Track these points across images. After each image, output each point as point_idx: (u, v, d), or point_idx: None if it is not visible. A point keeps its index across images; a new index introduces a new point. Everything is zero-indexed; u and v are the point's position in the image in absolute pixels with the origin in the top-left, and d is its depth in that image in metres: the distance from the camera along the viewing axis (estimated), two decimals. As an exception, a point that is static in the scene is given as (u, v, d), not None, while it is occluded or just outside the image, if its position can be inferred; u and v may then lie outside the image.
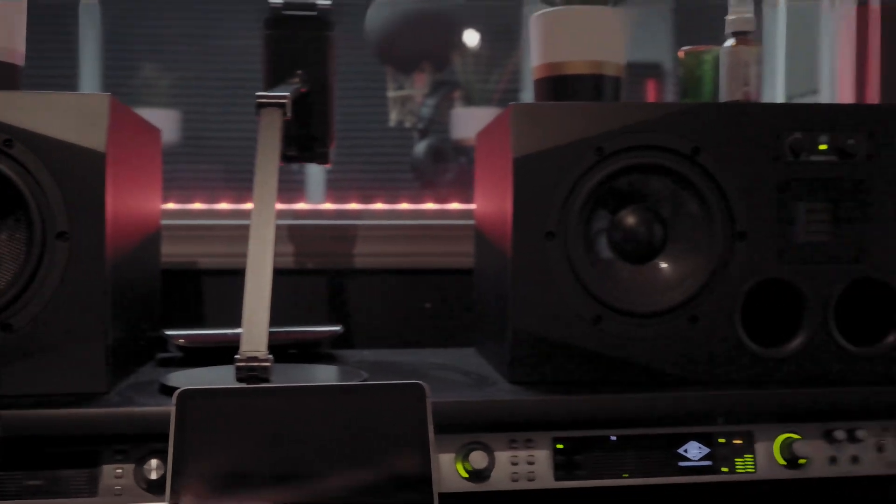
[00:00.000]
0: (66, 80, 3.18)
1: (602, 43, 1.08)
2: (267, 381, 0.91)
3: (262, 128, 1.02)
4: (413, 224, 1.45)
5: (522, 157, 0.97)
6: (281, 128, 1.02)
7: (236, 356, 0.91)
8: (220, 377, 1.00)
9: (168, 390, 0.93)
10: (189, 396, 0.85)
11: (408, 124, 1.99)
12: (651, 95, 2.07)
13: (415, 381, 0.88)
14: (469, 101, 1.92)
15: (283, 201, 1.50)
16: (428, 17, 1.90)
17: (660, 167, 0.98)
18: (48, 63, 3.14)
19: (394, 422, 0.88)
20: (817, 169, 0.99)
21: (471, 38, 2.09)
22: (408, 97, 1.97)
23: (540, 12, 1.11)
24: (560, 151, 0.97)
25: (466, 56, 1.94)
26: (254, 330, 0.92)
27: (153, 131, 1.20)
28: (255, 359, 0.92)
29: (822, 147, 0.99)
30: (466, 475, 0.94)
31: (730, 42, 1.08)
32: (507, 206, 0.99)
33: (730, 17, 1.08)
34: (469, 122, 1.88)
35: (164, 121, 1.96)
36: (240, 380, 0.91)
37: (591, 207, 0.98)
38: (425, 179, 1.89)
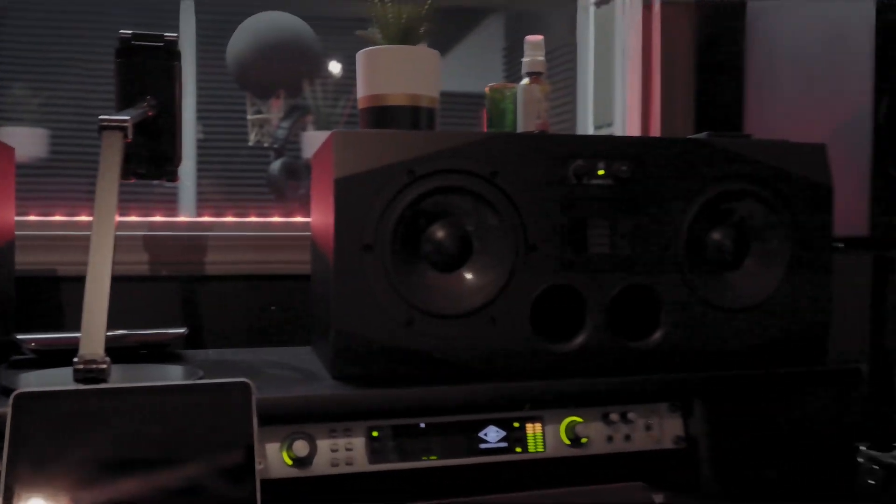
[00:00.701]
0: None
1: (418, 78, 1.09)
2: (104, 381, 0.87)
3: (104, 148, 0.98)
4: (260, 235, 1.42)
5: (343, 177, 0.97)
6: (122, 149, 0.99)
7: (75, 359, 0.87)
8: (61, 379, 0.96)
9: (6, 392, 0.88)
10: (25, 398, 0.81)
11: (265, 144, 1.97)
12: (485, 123, 2.11)
13: (241, 380, 0.87)
14: (319, 124, 1.91)
15: (142, 214, 1.46)
16: (283, 47, 1.88)
17: (463, 188, 0.99)
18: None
19: (222, 417, 0.86)
20: (596, 191, 1.03)
21: (334, 67, 2.07)
22: (265, 120, 1.94)
23: (364, 50, 1.11)
24: (377, 173, 0.98)
25: (317, 84, 1.93)
26: (92, 333, 0.89)
27: (6, 150, 1.14)
28: (93, 361, 0.88)
29: (601, 172, 1.03)
30: (291, 462, 0.93)
31: (525, 81, 1.10)
32: (331, 220, 0.99)
33: (525, 60, 1.11)
34: (319, 143, 1.86)
35: (30, 138, 1.88)
36: (77, 381, 0.87)
37: (404, 223, 0.99)
38: (279, 194, 1.87)
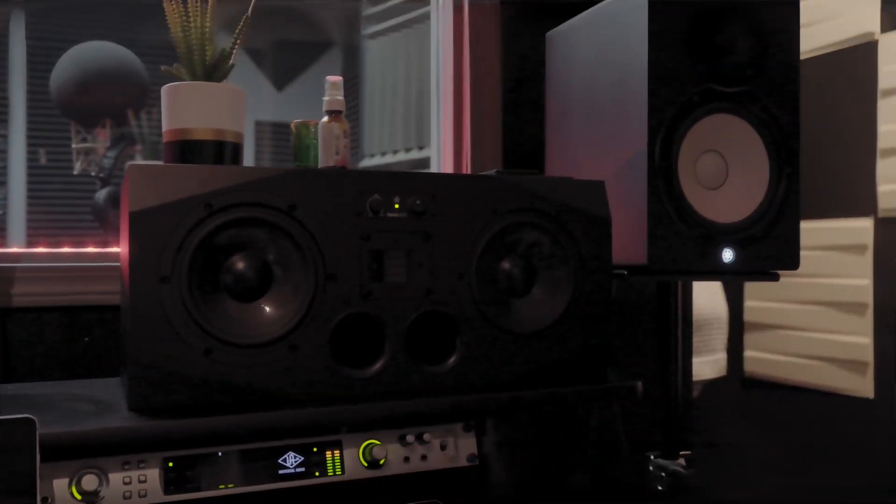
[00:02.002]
0: None
1: (223, 113, 1.08)
2: None
3: None
4: (73, 266, 1.37)
5: (138, 211, 0.95)
6: None
7: None
8: None
9: None
10: None
11: (92, 173, 1.90)
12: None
13: (24, 416, 0.83)
14: (147, 154, 1.86)
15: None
16: (107, 75, 1.82)
17: (261, 220, 0.99)
18: None
19: (5, 455, 0.83)
20: (393, 223, 1.05)
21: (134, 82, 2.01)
22: (90, 149, 1.87)
23: (170, 84, 1.10)
24: (174, 207, 0.96)
25: (143, 113, 1.88)
26: None
27: None
28: None
29: (396, 206, 1.05)
30: (80, 497, 0.89)
31: (325, 119, 1.12)
32: (125, 250, 0.97)
33: (325, 98, 1.13)
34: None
35: None
36: None
37: (202, 254, 0.98)
38: (104, 223, 1.81)
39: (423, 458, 1.04)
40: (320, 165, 1.13)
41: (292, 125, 1.18)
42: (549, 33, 1.52)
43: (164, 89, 1.10)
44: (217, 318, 0.98)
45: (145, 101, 1.89)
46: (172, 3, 1.09)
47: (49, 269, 1.36)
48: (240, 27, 1.12)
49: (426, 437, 1.04)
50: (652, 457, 1.38)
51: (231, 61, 1.12)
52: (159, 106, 2.13)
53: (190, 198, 0.97)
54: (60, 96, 1.81)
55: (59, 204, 2.41)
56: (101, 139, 1.86)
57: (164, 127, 1.10)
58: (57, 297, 1.35)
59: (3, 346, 1.33)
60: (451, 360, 1.08)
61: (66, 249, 1.42)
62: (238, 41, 1.12)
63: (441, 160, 1.62)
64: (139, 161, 1.87)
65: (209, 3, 1.11)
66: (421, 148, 1.82)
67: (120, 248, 1.21)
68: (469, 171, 1.56)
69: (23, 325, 1.34)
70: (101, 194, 1.80)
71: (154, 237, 0.95)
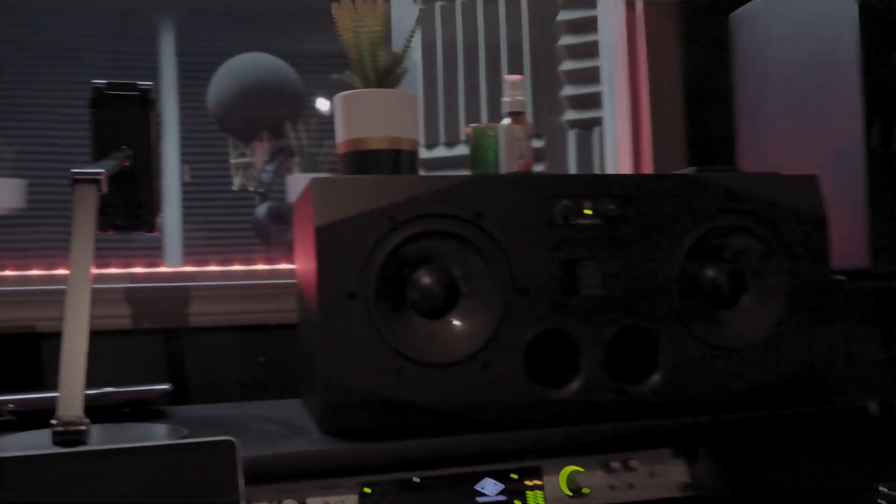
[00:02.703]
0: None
1: (397, 121, 1.10)
2: (83, 444, 0.87)
3: (77, 202, 0.98)
4: (245, 284, 1.42)
5: (323, 225, 0.97)
6: (96, 202, 0.99)
7: (52, 421, 0.87)
8: (40, 442, 0.95)
9: (-19, 460, 0.88)
10: (2, 464, 0.81)
11: (250, 189, 1.98)
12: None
13: (226, 438, 0.86)
14: (305, 166, 1.92)
15: (123, 265, 1.46)
16: (264, 88, 1.90)
17: (447, 232, 1.00)
18: None
19: (206, 478, 0.86)
20: (585, 231, 1.03)
21: (321, 104, 2.09)
22: (249, 164, 1.95)
23: (342, 93, 1.12)
24: (357, 220, 0.98)
25: (301, 124, 1.95)
26: (69, 394, 0.88)
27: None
28: (71, 423, 0.88)
29: (587, 212, 1.03)
30: (278, 523, 0.92)
31: (506, 121, 1.11)
32: (313, 268, 0.99)
33: (505, 99, 1.12)
34: (304, 186, 1.88)
35: (7, 190, 1.88)
36: (56, 444, 0.86)
37: (388, 269, 0.99)
38: (266, 240, 1.87)
39: (631, 486, 1.01)
40: (503, 171, 1.12)
41: (468, 129, 1.18)
42: (734, 14, 1.46)
43: (338, 98, 1.13)
44: (405, 335, 0.99)
45: (302, 111, 1.95)
46: (343, 8, 1.11)
47: (221, 287, 1.42)
48: (411, 31, 1.13)
49: (633, 463, 1.01)
50: (882, 489, 1.29)
51: (403, 65, 1.14)
52: (315, 116, 2.19)
53: (374, 210, 0.98)
54: (219, 111, 1.90)
55: (214, 221, 2.53)
56: (259, 153, 1.94)
57: (339, 137, 1.12)
58: (230, 317, 1.41)
59: (179, 366, 1.40)
60: (654, 378, 1.05)
61: (236, 267, 1.48)
62: (409, 44, 1.13)
63: (617, 159, 1.59)
64: (297, 174, 1.94)
65: (378, 6, 1.13)
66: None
67: (296, 265, 1.25)
68: (652, 171, 1.52)
69: (197, 346, 1.40)
70: (262, 210, 1.87)
71: (340, 252, 0.97)
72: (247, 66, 1.92)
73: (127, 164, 1.15)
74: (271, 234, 1.86)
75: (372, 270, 0.98)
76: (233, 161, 1.97)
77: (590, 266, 1.03)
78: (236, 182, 1.99)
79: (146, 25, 3.27)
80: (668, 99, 1.53)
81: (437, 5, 1.77)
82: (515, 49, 1.81)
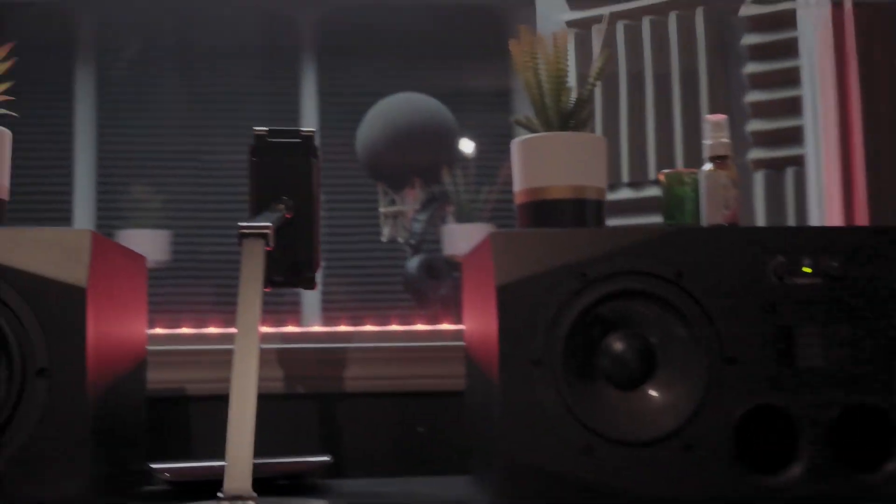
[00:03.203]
0: (60, 197, 3.26)
1: (582, 167, 1.11)
2: (250, 519, 0.91)
3: (245, 258, 1.04)
4: (404, 346, 1.46)
5: (505, 284, 0.99)
6: (263, 257, 1.05)
7: (220, 494, 0.92)
8: (203, 515, 1.00)
9: (147, 531, 0.93)
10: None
11: (400, 240, 2.03)
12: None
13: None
14: (461, 215, 1.96)
15: (272, 324, 1.52)
16: (417, 132, 1.96)
17: (644, 292, 1.00)
18: (43, 175, 3.24)
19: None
20: (803, 292, 1.01)
21: (465, 146, 2.13)
22: (399, 212, 2.01)
23: (521, 138, 1.15)
24: (543, 278, 0.99)
25: (457, 170, 1.99)
26: (237, 466, 0.93)
27: (137, 259, 1.23)
28: (239, 497, 0.92)
29: (807, 270, 1.01)
30: None
31: (708, 166, 1.11)
32: (493, 331, 1.01)
33: (707, 142, 1.12)
34: (460, 237, 1.91)
35: (155, 242, 2.01)
36: (224, 519, 0.91)
37: (577, 334, 1.00)
38: (419, 296, 1.91)
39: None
40: (705, 222, 1.11)
41: (661, 176, 1.19)
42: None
43: (516, 144, 1.15)
44: (596, 408, 0.99)
45: (458, 155, 2.00)
46: (522, 43, 1.14)
47: (378, 349, 1.46)
48: (599, 65, 1.15)
49: (864, 563, 0.97)
50: None
51: (589, 105, 1.16)
52: (476, 161, 2.24)
53: (562, 267, 1.00)
54: (368, 156, 1.97)
55: (359, 275, 2.61)
56: (411, 201, 2.00)
57: (518, 186, 1.15)
58: (388, 382, 1.45)
59: (332, 435, 1.44)
60: (891, 466, 1.00)
61: (394, 327, 1.52)
62: (596, 80, 1.15)
63: (823, 206, 1.55)
64: (453, 223, 1.98)
65: (560, 38, 1.15)
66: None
67: (465, 326, 1.28)
68: (868, 219, 1.47)
69: (352, 413, 1.45)
70: (413, 263, 1.92)
71: (524, 314, 0.99)
72: (398, 106, 1.99)
73: (288, 215, 1.22)
74: (424, 290, 1.90)
75: (559, 334, 0.99)
76: (382, 210, 2.03)
77: (809, 333, 1.00)
78: (385, 232, 2.05)
79: (289, 65, 3.45)
80: (888, 129, 1.48)
81: (620, 25, 1.79)
82: (688, 76, 1.80)
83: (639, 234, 1.01)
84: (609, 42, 1.76)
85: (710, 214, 1.10)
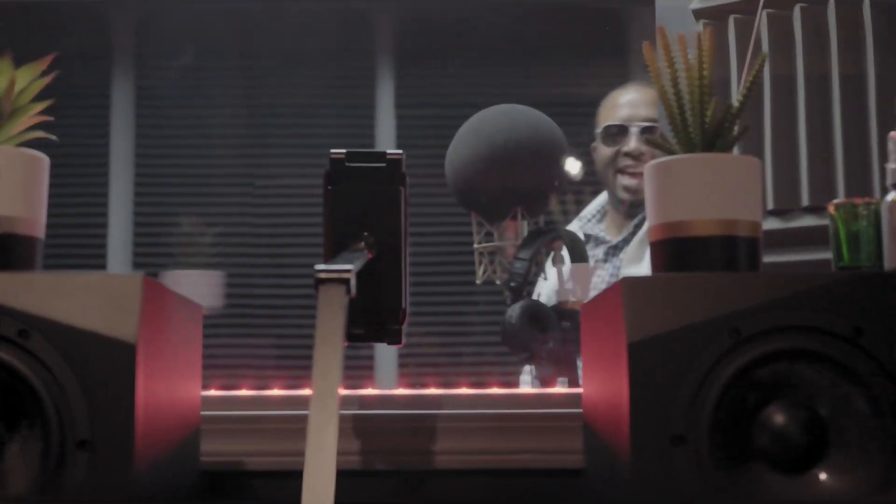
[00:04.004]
0: (92, 230, 3.36)
1: (733, 197, 1.10)
2: None
3: (322, 308, 1.05)
4: (506, 413, 1.45)
5: (638, 341, 0.98)
6: (345, 307, 1.05)
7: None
8: None
9: None
10: None
11: (498, 282, 2.02)
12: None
13: None
14: (574, 253, 1.95)
15: (346, 386, 1.53)
16: (519, 151, 1.95)
17: (813, 353, 0.98)
18: (72, 202, 3.34)
19: None
20: None
21: (572, 166, 2.13)
22: (497, 249, 2.00)
23: (656, 161, 1.14)
24: (686, 334, 0.98)
25: (568, 196, 1.99)
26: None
27: (193, 309, 1.25)
28: None
29: None
30: None
31: (892, 195, 1.08)
32: (623, 399, 1.00)
33: (891, 166, 1.09)
34: (574, 278, 1.90)
35: (203, 284, 2.04)
36: None
37: (728, 403, 0.98)
38: (521, 350, 1.90)
39: None
40: (889, 265, 1.09)
41: (830, 208, 1.16)
42: None
43: (650, 169, 1.15)
44: (753, 496, 0.97)
45: (568, 179, 1.99)
46: (659, 46, 1.14)
47: (474, 417, 1.45)
48: (754, 71, 1.14)
49: None
50: None
51: (739, 120, 1.14)
52: (581, 186, 2.23)
53: (710, 320, 0.98)
54: (461, 180, 1.97)
55: (446, 324, 2.61)
56: (511, 235, 1.99)
57: (652, 220, 1.14)
58: (487, 457, 1.44)
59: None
60: None
61: (494, 391, 1.51)
62: (750, 89, 1.14)
63: None
64: (564, 263, 1.97)
65: (707, 38, 1.14)
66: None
67: (584, 390, 1.27)
68: None
69: (443, 495, 1.44)
70: (515, 311, 1.91)
71: (662, 377, 0.98)
72: (496, 120, 1.99)
73: (371, 255, 1.22)
74: (528, 344, 1.89)
75: (706, 404, 0.97)
76: (476, 246, 2.03)
77: None
78: (480, 273, 2.04)
79: (362, 72, 3.50)
80: None
81: (764, 15, 1.76)
82: (852, 81, 1.76)
83: (805, 280, 0.99)
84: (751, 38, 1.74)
85: (892, 255, 1.08)
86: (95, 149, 3.53)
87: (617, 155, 2.59)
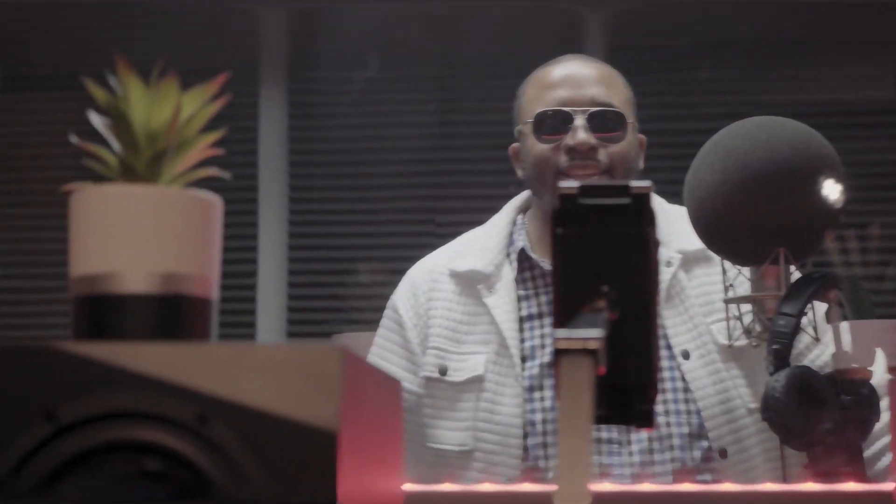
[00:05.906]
0: (240, 266, 3.43)
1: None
2: None
3: (566, 383, 1.04)
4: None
5: None
6: (592, 384, 1.04)
7: None
8: None
9: None
10: None
11: (755, 344, 1.99)
12: None
13: None
14: (857, 308, 1.90)
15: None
16: (782, 176, 1.91)
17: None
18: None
19: None
20: None
21: (831, 190, 2.07)
22: (753, 301, 1.97)
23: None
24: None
25: (847, 234, 1.93)
26: None
27: (392, 386, 1.26)
28: None
29: None
30: None
31: None
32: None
33: None
34: (858, 339, 1.85)
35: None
36: None
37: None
38: (788, 431, 1.86)
39: None
40: None
41: None
42: None
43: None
44: None
45: (841, 210, 1.94)
46: None
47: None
48: None
49: None
50: None
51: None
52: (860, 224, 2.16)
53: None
54: (704, 215, 1.94)
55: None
56: (772, 283, 1.95)
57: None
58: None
59: None
60: None
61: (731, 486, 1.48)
62: None
63: None
64: (840, 321, 1.92)
65: None
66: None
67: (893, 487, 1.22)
68: None
69: None
70: (779, 381, 1.86)
71: None
72: (747, 137, 1.95)
73: (613, 316, 1.21)
74: (796, 423, 1.84)
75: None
76: (725, 297, 2.01)
77: None
78: (730, 333, 2.02)
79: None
80: None
81: None
82: None
83: None
84: None
85: None
86: (242, 181, 3.62)
87: (557, 152, 2.33)
